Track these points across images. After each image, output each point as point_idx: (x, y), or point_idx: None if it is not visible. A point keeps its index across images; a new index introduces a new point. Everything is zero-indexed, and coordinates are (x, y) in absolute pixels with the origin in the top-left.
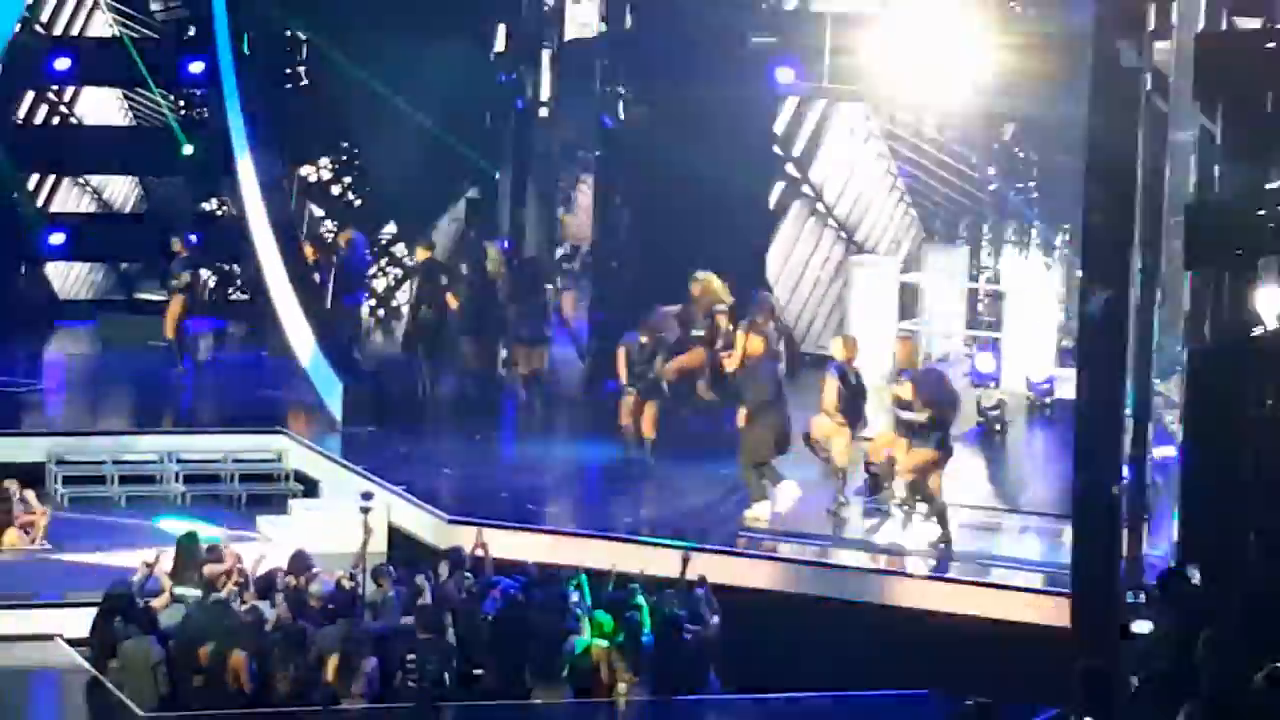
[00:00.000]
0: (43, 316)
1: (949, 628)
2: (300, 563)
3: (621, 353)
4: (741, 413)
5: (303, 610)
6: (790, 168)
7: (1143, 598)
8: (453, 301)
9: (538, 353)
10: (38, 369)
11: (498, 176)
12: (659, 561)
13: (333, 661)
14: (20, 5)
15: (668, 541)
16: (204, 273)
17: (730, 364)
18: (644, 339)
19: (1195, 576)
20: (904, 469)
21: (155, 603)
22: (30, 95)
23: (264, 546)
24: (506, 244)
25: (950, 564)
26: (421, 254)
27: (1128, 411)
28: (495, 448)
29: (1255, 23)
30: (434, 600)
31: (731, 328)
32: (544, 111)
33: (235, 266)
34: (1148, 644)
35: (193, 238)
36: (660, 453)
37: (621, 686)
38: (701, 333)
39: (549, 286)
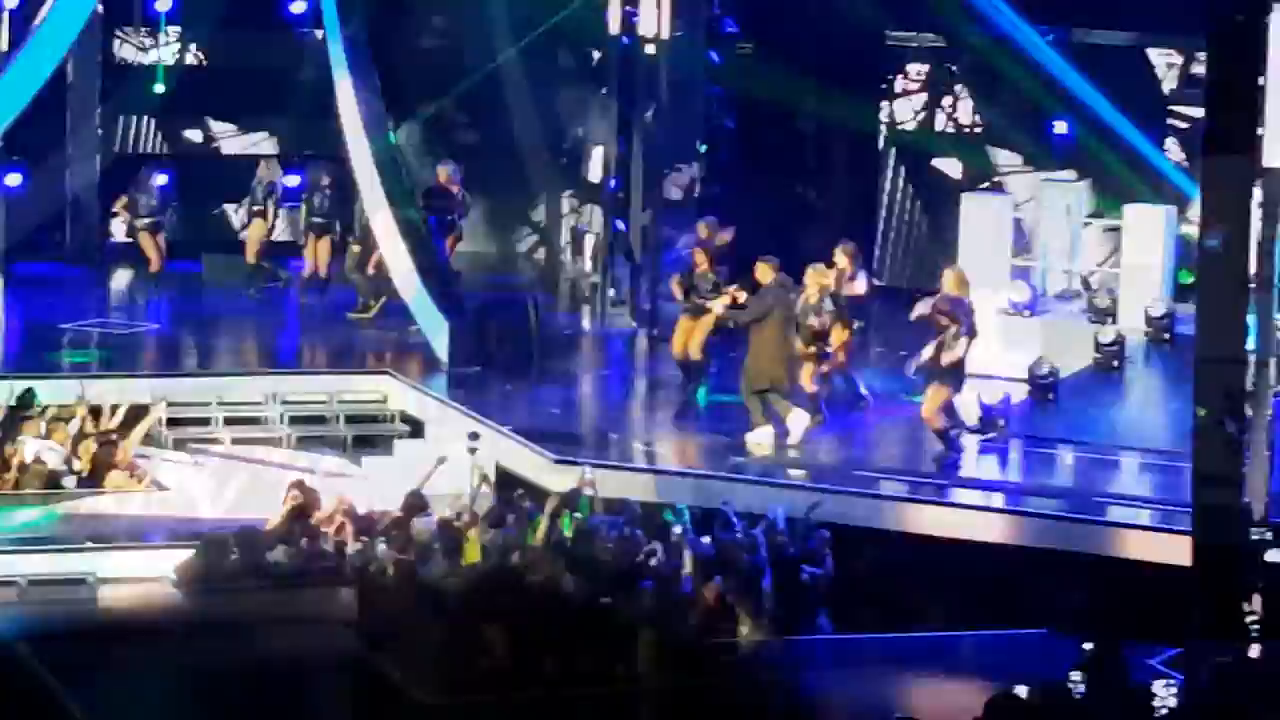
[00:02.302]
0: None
1: (1066, 566)
2: (416, 502)
3: (675, 277)
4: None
5: (408, 551)
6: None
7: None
8: None
9: None
10: (143, 310)
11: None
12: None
13: None
14: None
15: (778, 480)
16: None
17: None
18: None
19: None
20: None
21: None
22: (130, 36)
23: (369, 487)
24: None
25: (1067, 502)
26: None
27: (1249, 347)
28: (599, 387)
29: None
30: (549, 541)
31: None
32: (651, 49)
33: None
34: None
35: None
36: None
37: (742, 629)
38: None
39: None
